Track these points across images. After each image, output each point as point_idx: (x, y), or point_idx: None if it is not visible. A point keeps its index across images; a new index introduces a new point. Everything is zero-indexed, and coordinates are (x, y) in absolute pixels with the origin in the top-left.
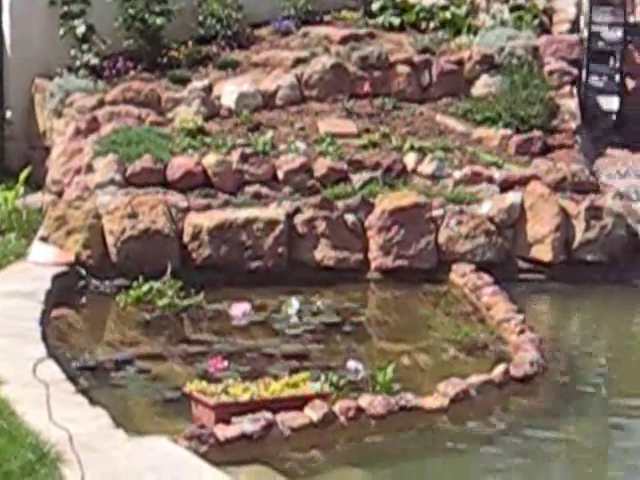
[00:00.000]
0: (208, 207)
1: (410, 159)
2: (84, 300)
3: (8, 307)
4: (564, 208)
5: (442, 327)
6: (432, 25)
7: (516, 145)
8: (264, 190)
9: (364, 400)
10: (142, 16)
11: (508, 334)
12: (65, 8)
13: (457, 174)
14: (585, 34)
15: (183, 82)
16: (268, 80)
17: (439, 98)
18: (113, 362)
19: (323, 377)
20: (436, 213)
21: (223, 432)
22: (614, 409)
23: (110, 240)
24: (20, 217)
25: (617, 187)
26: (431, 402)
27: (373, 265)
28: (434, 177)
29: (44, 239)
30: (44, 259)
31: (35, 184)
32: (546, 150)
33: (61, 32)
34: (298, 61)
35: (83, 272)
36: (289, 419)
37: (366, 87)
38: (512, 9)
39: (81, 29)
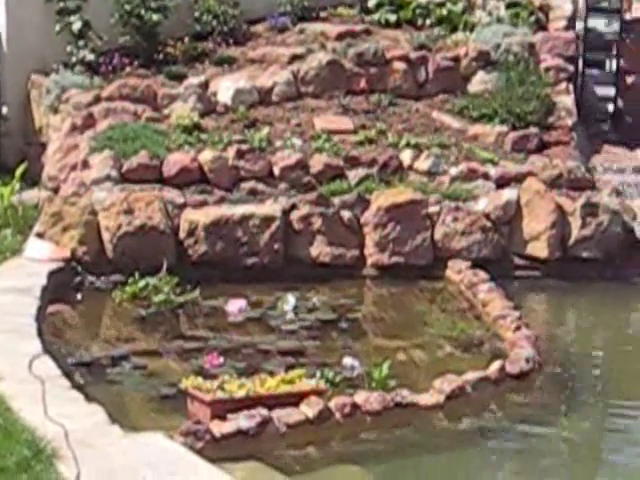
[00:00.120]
0: (204, 203)
1: (406, 156)
2: (80, 296)
3: (4, 303)
4: (560, 205)
5: (438, 324)
6: (428, 22)
7: (512, 142)
8: (260, 186)
9: (360, 396)
10: (138, 12)
11: (504, 331)
12: (61, 4)
13: (453, 171)
14: (581, 31)
15: (179, 78)
16: (264, 76)
17: (435, 95)
18: (109, 358)
19: (319, 373)
20: (432, 210)
21: (219, 428)
22: (610, 406)
23: (106, 236)
24: (16, 213)
25: (613, 184)
26: (427, 399)
27: (369, 261)
28: (430, 174)
29: (40, 235)
30: (40, 255)
31: (31, 180)
32: (542, 147)
33: (57, 28)
34: (294, 57)
35: (79, 268)
36: (285, 415)
37: (362, 84)
38: (508, 6)
39: (77, 25)
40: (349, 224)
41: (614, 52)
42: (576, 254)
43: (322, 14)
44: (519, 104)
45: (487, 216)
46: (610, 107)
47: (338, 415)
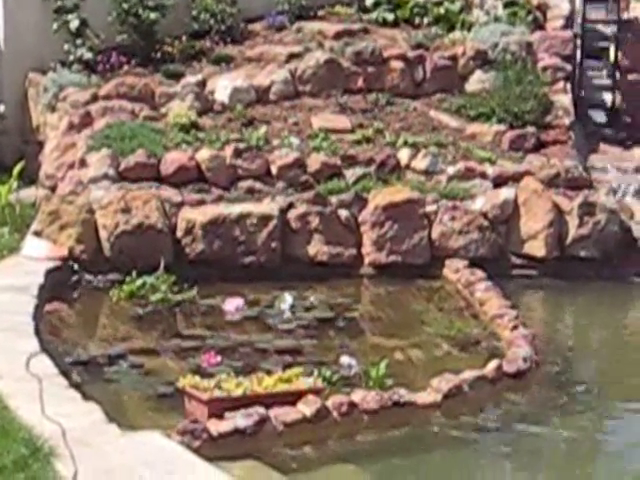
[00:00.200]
0: (202, 202)
1: (404, 154)
2: (77, 295)
3: (1, 301)
4: (557, 204)
5: (435, 323)
6: (426, 21)
7: (510, 141)
8: (257, 185)
9: (357, 395)
10: (136, 11)
11: (501, 330)
12: (59, 2)
13: (451, 170)
14: (579, 30)
15: (177, 77)
16: (262, 75)
17: (433, 94)
18: (106, 357)
19: (316, 372)
20: (429, 209)
21: (216, 427)
22: (607, 404)
23: (103, 235)
24: (13, 211)
25: (610, 183)
26: (424, 397)
27: (366, 260)
28: (427, 172)
29: (37, 233)
30: (37, 253)
31: (28, 178)
32: (539, 146)
33: (55, 26)
34: (292, 56)
35: (76, 267)
36: (282, 414)
37: (360, 82)
38: (506, 5)
39: (75, 23)
40: (346, 223)
41: (612, 51)
42: (573, 253)
43: (320, 13)
44: (517, 103)
45: (484, 215)
46: (608, 106)
47: (335, 414)
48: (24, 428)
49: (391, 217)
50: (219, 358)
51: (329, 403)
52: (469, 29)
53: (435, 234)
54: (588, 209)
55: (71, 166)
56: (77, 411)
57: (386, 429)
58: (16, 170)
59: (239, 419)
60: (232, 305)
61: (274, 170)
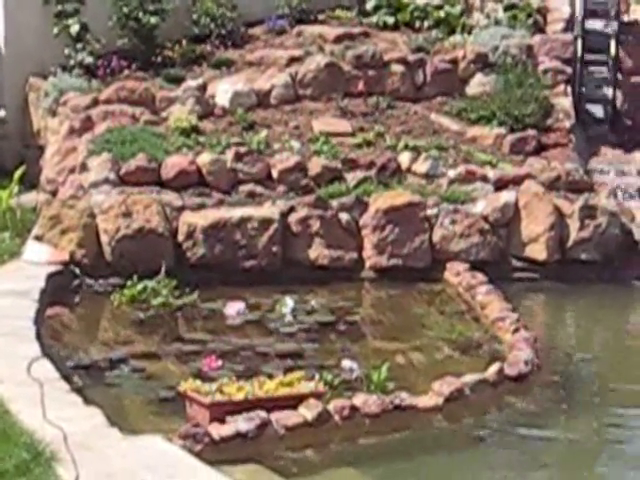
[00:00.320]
0: (202, 206)
1: (404, 158)
2: (78, 299)
3: (2, 306)
4: (558, 207)
5: (436, 326)
6: (426, 24)
7: (510, 144)
8: (258, 189)
9: (358, 399)
10: (136, 15)
11: (502, 333)
12: (59, 7)
13: (451, 173)
14: (579, 33)
15: (177, 81)
16: (262, 79)
17: (433, 97)
18: (107, 361)
19: (317, 376)
20: (430, 212)
21: (218, 431)
22: (608, 407)
23: (104, 239)
24: (14, 216)
25: (611, 186)
26: (426, 401)
27: (367, 264)
28: (428, 176)
29: (38, 238)
30: (38, 258)
31: (29, 183)
32: (540, 149)
33: (55, 31)
34: (292, 60)
35: (77, 271)
36: (283, 418)
37: (360, 86)
38: (506, 8)
39: (75, 28)
40: (347, 227)
41: (612, 54)
42: (574, 256)
43: (320, 17)
44: (517, 106)
45: (485, 218)
46: (608, 109)
47: (337, 418)
48: (25, 432)
49: (392, 221)
50: (220, 362)
51: (330, 407)
52: (469, 32)
53: (436, 237)
54: (589, 212)
55: (72, 170)
56: (78, 415)
57: (388, 433)
58: (17, 175)
59: (240, 423)
60: (233, 309)
61: (275, 174)
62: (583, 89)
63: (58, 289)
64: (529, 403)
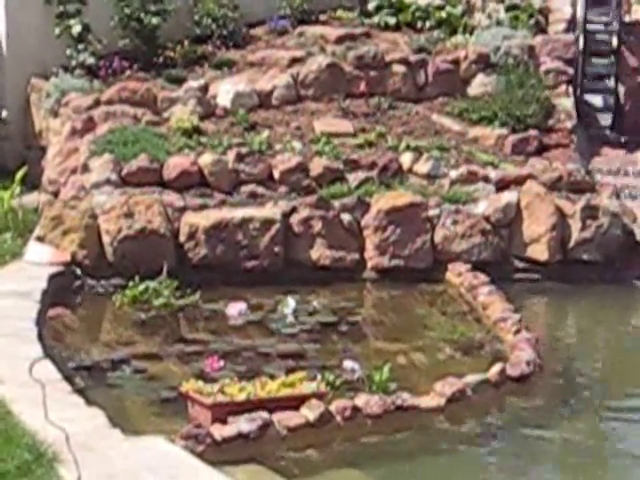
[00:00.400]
0: (204, 206)
1: (406, 158)
2: (80, 300)
3: (4, 307)
4: (560, 207)
5: (438, 326)
6: (428, 24)
7: (512, 144)
8: (260, 189)
9: (360, 400)
10: (138, 16)
11: (504, 333)
12: (61, 7)
13: (453, 173)
14: (581, 33)
15: (179, 82)
16: (264, 80)
17: (435, 97)
18: (109, 362)
19: (319, 377)
20: (432, 212)
21: (220, 432)
22: (610, 408)
23: (106, 240)
24: (16, 217)
25: (613, 186)
26: (428, 401)
27: (369, 264)
28: (430, 176)
29: (40, 239)
30: (40, 259)
31: (31, 184)
32: (542, 149)
33: (57, 31)
34: (294, 61)
35: (79, 272)
36: (285, 419)
37: (362, 86)
38: (508, 8)
39: (77, 29)
40: (349, 227)
41: (614, 54)
42: (576, 257)
43: (322, 17)
44: (519, 107)
45: (487, 219)
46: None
47: (339, 418)
48: (27, 433)
49: (394, 221)
50: (222, 363)
51: (332, 407)
52: (471, 33)
53: (438, 238)
54: (591, 212)
55: (74, 171)
56: (80, 416)
57: (389, 433)
58: (19, 175)
59: (242, 424)
60: (235, 309)
61: (276, 174)
62: (585, 90)
63: (60, 290)
64: (531, 403)
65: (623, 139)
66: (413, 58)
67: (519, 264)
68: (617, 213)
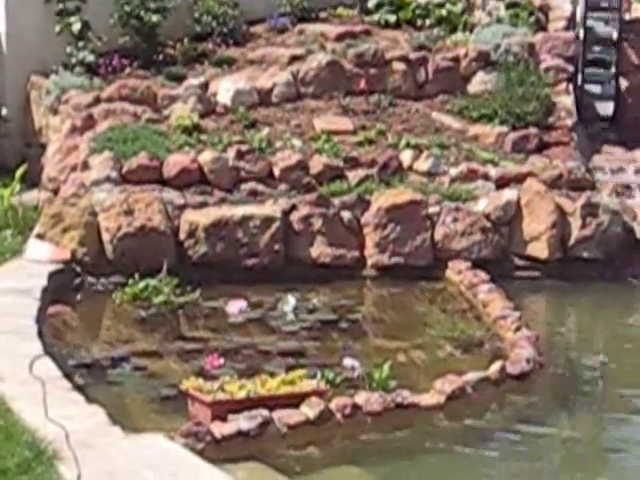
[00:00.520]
0: (204, 204)
1: (406, 156)
2: (80, 297)
3: (4, 304)
4: (560, 205)
5: (438, 324)
6: (428, 22)
7: (512, 142)
8: (260, 187)
9: (360, 397)
10: (138, 13)
11: (504, 331)
12: (61, 5)
13: (453, 171)
14: (581, 31)
15: (179, 79)
16: (264, 77)
17: (435, 95)
18: (109, 359)
19: (319, 374)
20: (432, 210)
21: (219, 429)
22: (610, 406)
23: (106, 237)
24: (16, 214)
25: (613, 184)
26: (427, 399)
27: (369, 262)
28: (430, 174)
29: (40, 236)
30: (40, 256)
31: (31, 181)
32: (542, 147)
33: (57, 29)
34: (294, 58)
35: (79, 269)
36: (285, 416)
37: (362, 84)
38: (508, 6)
39: (77, 26)
40: (349, 225)
41: (614, 52)
42: (576, 254)
43: (322, 15)
44: (519, 104)
45: (487, 217)
46: (610, 107)
47: (339, 416)
48: (27, 431)
49: (394, 219)
50: (222, 360)
51: (332, 405)
52: (471, 30)
53: (438, 236)
54: (591, 210)
55: (74, 169)
56: (80, 414)
57: (389, 431)
58: (19, 173)
59: (242, 421)
60: (235, 307)
61: (277, 172)
62: (585, 87)
63: (60, 287)
64: (531, 401)
65: (623, 137)
66: (413, 56)
67: (519, 262)
68: (617, 211)
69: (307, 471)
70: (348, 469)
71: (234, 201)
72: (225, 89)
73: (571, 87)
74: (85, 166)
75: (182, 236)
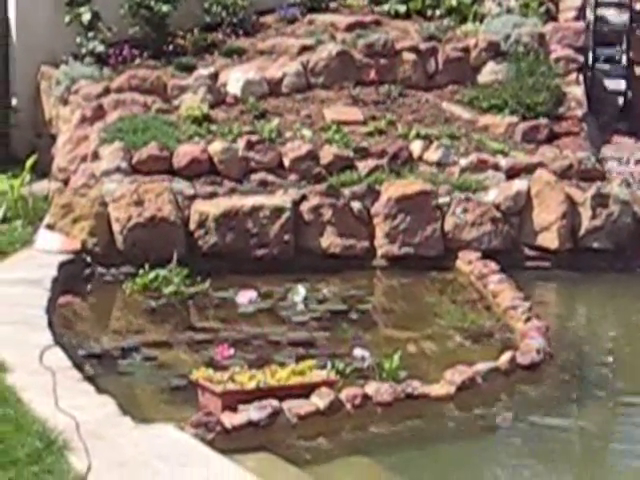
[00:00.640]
0: (214, 194)
1: (416, 146)
2: (90, 288)
3: (14, 294)
4: (570, 196)
5: (448, 315)
6: (438, 12)
7: (522, 132)
8: (270, 177)
9: (370, 388)
10: (148, 3)
11: (514, 322)
12: None
13: (463, 161)
14: (591, 21)
15: (189, 69)
16: (274, 67)
17: (445, 85)
18: (119, 350)
19: (329, 364)
20: (442, 201)
21: (230, 420)
22: (620, 396)
23: (116, 228)
24: (26, 205)
25: (623, 174)
26: (438, 390)
27: (379, 253)
28: (440, 164)
29: (50, 227)
30: (50, 247)
31: (41, 172)
32: (552, 137)
33: (67, 19)
34: (304, 48)
35: (89, 260)
36: (295, 407)
37: (372, 74)
38: None
39: (87, 16)
40: (359, 215)
41: (624, 42)
42: (586, 245)
43: (332, 5)
44: (529, 95)
45: (497, 207)
46: (620, 98)
47: (349, 406)
48: (38, 421)
49: (404, 209)
50: (232, 351)
51: (342, 395)
52: (481, 21)
53: (448, 226)
54: (601, 200)
55: (84, 159)
56: (91, 404)
57: (399, 421)
58: (29, 163)
59: (252, 412)
60: (245, 298)
61: (287, 162)
62: (595, 77)
63: (70, 278)
64: (541, 392)
65: (634, 127)
66: (423, 46)
67: (529, 252)
68: (628, 201)
69: (317, 461)
70: (358, 459)
71: (244, 191)
72: (235, 79)
73: (581, 77)
74: (95, 156)
75: (192, 226)
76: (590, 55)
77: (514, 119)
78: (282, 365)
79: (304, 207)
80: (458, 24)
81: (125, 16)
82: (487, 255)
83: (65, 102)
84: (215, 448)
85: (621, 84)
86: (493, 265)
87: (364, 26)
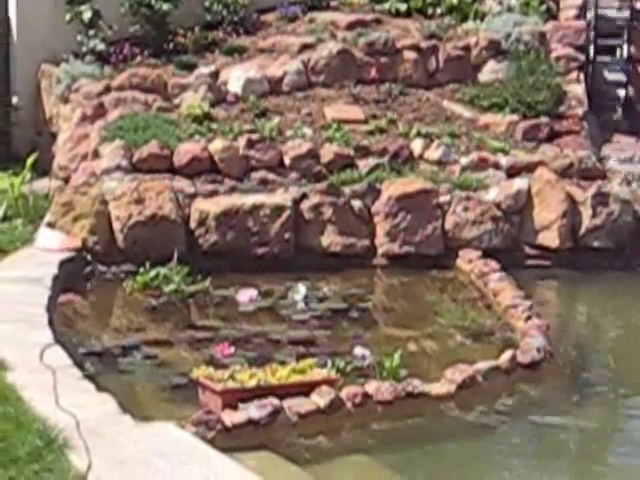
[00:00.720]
0: (215, 193)
1: (417, 145)
2: (91, 286)
3: (15, 292)
4: (571, 194)
5: (449, 313)
6: (439, 11)
7: (523, 131)
8: (271, 176)
9: (371, 386)
10: (148, 2)
11: (515, 320)
12: None
13: (464, 160)
14: (592, 20)
15: (189, 68)
16: (275, 66)
17: (446, 84)
18: (120, 348)
19: (330, 363)
20: (443, 199)
21: (230, 418)
22: (621, 394)
23: (117, 226)
24: (27, 203)
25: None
26: (438, 388)
27: (380, 251)
28: (441, 163)
29: (51, 225)
30: (51, 245)
31: (42, 170)
32: (553, 136)
33: (67, 18)
34: (305, 47)
35: (90, 258)
36: (296, 405)
37: (373, 73)
38: None
39: (87, 15)
40: (360, 214)
41: (625, 40)
42: (587, 244)
43: (332, 3)
44: (530, 93)
45: (498, 206)
46: (620, 90)
47: (349, 405)
48: (38, 419)
49: (404, 208)
50: (233, 349)
51: (343, 394)
52: (482, 19)
53: (448, 225)
54: (602, 199)
55: (84, 157)
56: (91, 402)
57: (400, 420)
58: (29, 161)
59: (253, 410)
60: (245, 296)
61: (287, 161)
62: (596, 76)
63: (70, 276)
64: (541, 390)
65: (634, 125)
66: (424, 44)
67: (530, 251)
68: (628, 200)
69: (317, 460)
70: (358, 458)
71: (244, 190)
72: (236, 78)
73: (582, 76)
74: (96, 155)
75: (193, 225)
76: (592, 47)
77: (515, 118)
78: (282, 363)
79: (304, 205)
80: (459, 22)
81: (126, 14)
82: (488, 254)
83: (66, 100)
84: (215, 446)
85: (621, 76)
86: (494, 264)
87: (365, 24)
